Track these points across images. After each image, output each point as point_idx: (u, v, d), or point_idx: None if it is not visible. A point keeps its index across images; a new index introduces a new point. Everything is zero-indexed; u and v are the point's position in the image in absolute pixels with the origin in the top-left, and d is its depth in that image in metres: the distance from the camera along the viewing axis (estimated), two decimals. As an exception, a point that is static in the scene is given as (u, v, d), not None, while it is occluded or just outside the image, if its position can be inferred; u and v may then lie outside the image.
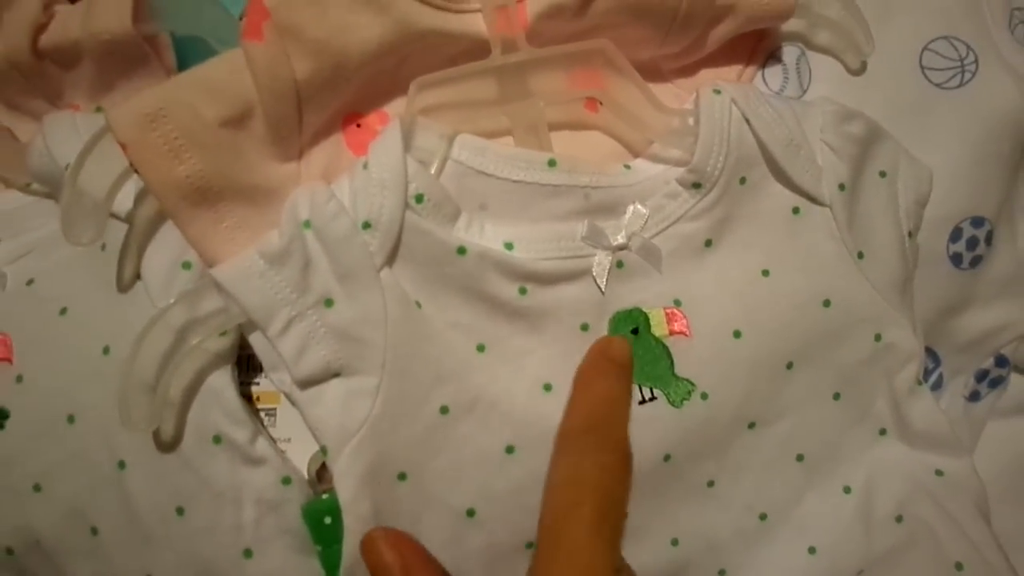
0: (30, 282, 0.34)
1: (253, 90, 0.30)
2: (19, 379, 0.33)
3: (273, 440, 0.32)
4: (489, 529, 0.31)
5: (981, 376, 0.40)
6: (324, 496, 0.31)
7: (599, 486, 0.26)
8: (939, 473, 0.35)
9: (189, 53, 0.38)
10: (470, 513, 0.31)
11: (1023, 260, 0.40)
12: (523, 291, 0.32)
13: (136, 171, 0.29)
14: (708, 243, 0.34)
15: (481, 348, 0.32)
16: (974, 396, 0.40)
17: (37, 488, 0.32)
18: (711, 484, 0.33)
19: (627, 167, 0.34)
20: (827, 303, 0.34)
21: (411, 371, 0.30)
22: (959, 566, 0.32)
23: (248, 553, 0.31)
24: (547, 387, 0.32)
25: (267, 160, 0.31)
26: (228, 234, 0.30)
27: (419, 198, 0.30)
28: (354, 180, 0.31)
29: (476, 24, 0.33)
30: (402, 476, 0.30)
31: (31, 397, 0.33)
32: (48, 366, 0.33)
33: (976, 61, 0.39)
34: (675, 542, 0.33)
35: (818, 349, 0.34)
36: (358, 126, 0.34)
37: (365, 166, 0.31)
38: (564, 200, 0.32)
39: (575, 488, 0.26)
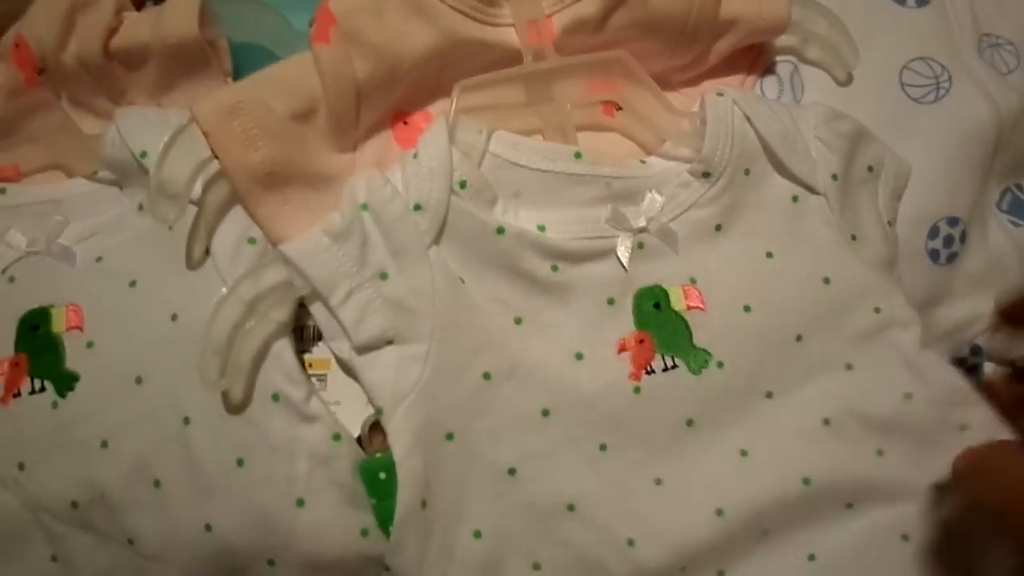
0: (99, 259, 0.37)
1: (319, 89, 0.34)
2: (90, 345, 0.36)
3: (324, 402, 0.35)
4: (528, 488, 0.34)
5: (958, 364, 0.43)
6: (378, 455, 0.33)
7: None
8: (963, 429, 0.36)
9: (244, 57, 0.41)
10: (511, 471, 0.34)
11: (993, 258, 0.43)
12: (555, 268, 0.35)
13: (216, 156, 0.33)
14: (718, 227, 0.37)
15: (518, 320, 0.35)
16: (971, 370, 0.43)
17: (104, 444, 0.35)
18: (744, 454, 0.35)
19: (643, 162, 0.38)
20: (827, 280, 0.37)
21: (456, 339, 0.33)
22: None
23: (300, 503, 0.33)
24: (578, 356, 0.35)
25: (327, 150, 0.35)
26: (292, 214, 0.34)
27: (463, 184, 0.34)
28: (406, 168, 0.34)
29: (510, 36, 0.37)
30: (450, 436, 0.33)
31: (101, 361, 0.36)
32: (118, 333, 0.36)
33: (950, 79, 0.43)
34: (720, 512, 0.34)
35: (823, 322, 0.37)
36: (405, 123, 0.38)
37: (415, 156, 0.34)
38: (589, 188, 0.36)
39: None
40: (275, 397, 0.34)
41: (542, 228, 0.35)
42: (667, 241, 0.36)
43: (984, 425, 0.36)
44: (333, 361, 0.36)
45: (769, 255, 0.37)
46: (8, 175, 0.41)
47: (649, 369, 0.35)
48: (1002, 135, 0.42)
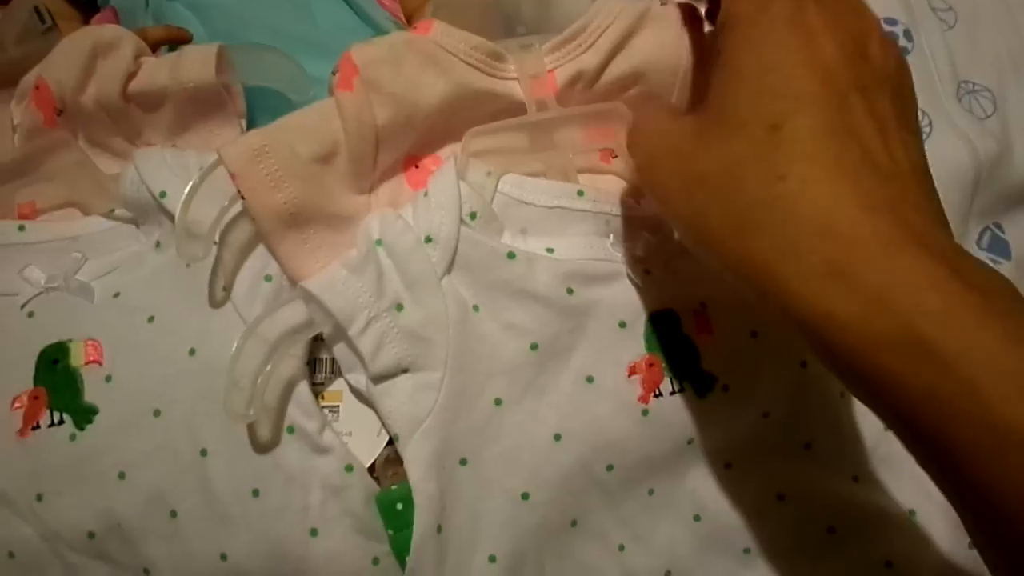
0: (117, 295, 0.38)
1: (340, 133, 0.36)
2: (108, 379, 0.37)
3: (336, 433, 0.36)
4: (541, 512, 0.35)
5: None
6: (394, 487, 0.34)
7: None
8: None
9: (257, 100, 0.43)
10: (524, 496, 0.35)
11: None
12: (570, 291, 0.36)
13: (242, 197, 0.34)
14: None
15: (534, 347, 0.36)
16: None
17: (122, 476, 0.36)
18: (728, 467, 0.37)
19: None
20: None
21: (469, 366, 0.35)
22: (971, 546, 0.36)
23: (314, 532, 0.35)
24: (589, 379, 0.36)
25: (346, 192, 0.37)
26: (311, 252, 0.36)
27: (472, 215, 0.36)
28: (417, 205, 0.36)
29: (516, 89, 0.39)
30: (463, 461, 0.34)
31: (119, 394, 0.36)
32: (136, 367, 0.37)
33: (931, 124, 0.45)
34: (697, 518, 0.37)
35: None
36: (416, 167, 0.39)
37: (426, 194, 0.36)
38: (590, 224, 0.38)
39: None
40: (290, 429, 0.35)
41: (551, 250, 0.37)
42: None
43: None
44: (345, 393, 0.37)
45: None
46: (26, 212, 0.42)
47: (657, 392, 0.36)
48: (980, 177, 0.45)
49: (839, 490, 0.37)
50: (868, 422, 0.39)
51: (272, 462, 0.35)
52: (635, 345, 0.37)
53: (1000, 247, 0.47)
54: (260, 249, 0.37)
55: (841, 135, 0.26)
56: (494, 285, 0.36)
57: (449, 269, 0.35)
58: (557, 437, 0.35)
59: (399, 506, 0.34)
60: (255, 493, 0.35)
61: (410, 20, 0.52)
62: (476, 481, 0.35)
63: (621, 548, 0.36)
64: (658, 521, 0.37)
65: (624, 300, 0.37)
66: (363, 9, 0.50)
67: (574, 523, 0.36)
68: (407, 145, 0.38)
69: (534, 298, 0.36)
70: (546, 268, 0.36)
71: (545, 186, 0.38)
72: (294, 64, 0.41)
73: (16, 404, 0.37)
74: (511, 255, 0.36)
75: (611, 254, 0.38)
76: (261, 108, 0.43)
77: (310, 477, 0.35)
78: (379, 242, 0.35)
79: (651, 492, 0.37)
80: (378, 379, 0.35)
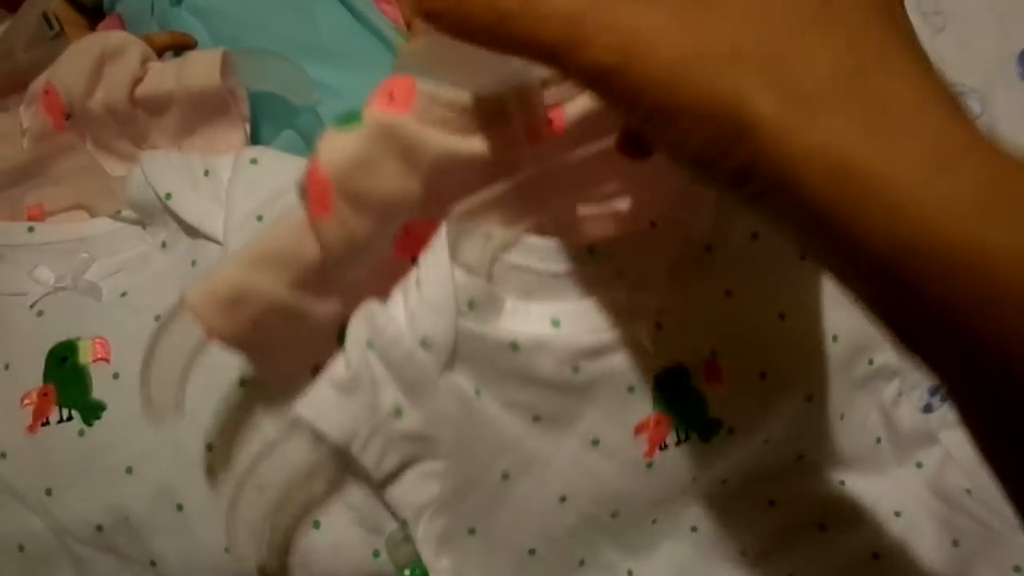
0: (124, 294, 0.39)
1: (316, 252, 0.32)
2: (116, 376, 0.38)
3: (338, 428, 0.37)
4: (548, 562, 0.35)
5: (933, 391, 0.46)
6: (407, 571, 0.35)
7: None
8: (919, 466, 0.39)
9: (260, 103, 0.44)
10: (531, 552, 0.35)
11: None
12: (576, 370, 0.34)
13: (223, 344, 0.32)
14: (728, 294, 0.36)
15: (536, 419, 0.34)
16: (927, 408, 0.46)
17: (129, 470, 0.36)
18: (724, 482, 0.38)
19: (653, 225, 0.35)
20: (835, 339, 0.37)
21: (473, 452, 0.34)
22: (955, 543, 0.37)
23: (317, 524, 0.35)
24: (595, 442, 0.35)
25: (329, 300, 0.34)
26: (296, 361, 0.35)
27: (471, 304, 0.32)
28: (408, 299, 0.32)
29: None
30: (471, 531, 0.34)
31: (127, 391, 0.37)
32: (143, 364, 0.38)
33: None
34: (694, 529, 0.37)
35: (831, 379, 0.38)
36: (405, 232, 0.34)
37: (417, 285, 0.32)
38: (600, 267, 0.34)
39: None
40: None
41: (556, 323, 0.34)
42: (683, 317, 0.35)
43: (937, 462, 0.39)
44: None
45: (781, 317, 0.37)
46: (35, 214, 0.43)
47: (663, 445, 0.36)
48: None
49: (828, 491, 0.38)
50: (860, 438, 0.39)
51: (276, 456, 0.36)
52: (643, 406, 0.35)
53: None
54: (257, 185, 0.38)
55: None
56: (497, 372, 0.33)
57: (449, 366, 0.32)
58: (563, 499, 0.35)
59: None
60: (260, 487, 0.35)
61: (409, 26, 0.52)
62: (486, 545, 0.35)
63: (629, 573, 0.37)
64: (660, 542, 0.37)
65: (633, 364, 0.35)
66: (364, 15, 0.51)
67: (582, 563, 0.36)
68: (394, 232, 0.34)
69: (539, 382, 0.34)
70: (552, 352, 0.33)
71: (552, 249, 0.34)
72: (297, 69, 0.42)
73: (26, 401, 0.38)
74: (514, 346, 0.33)
75: (622, 316, 0.34)
76: (264, 112, 0.44)
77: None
78: (370, 345, 0.32)
79: (654, 522, 0.37)
80: (385, 482, 0.33)
